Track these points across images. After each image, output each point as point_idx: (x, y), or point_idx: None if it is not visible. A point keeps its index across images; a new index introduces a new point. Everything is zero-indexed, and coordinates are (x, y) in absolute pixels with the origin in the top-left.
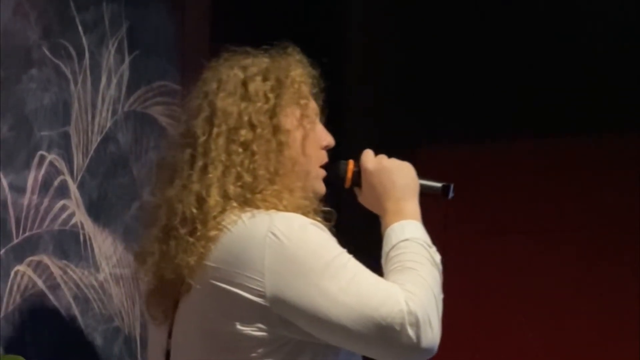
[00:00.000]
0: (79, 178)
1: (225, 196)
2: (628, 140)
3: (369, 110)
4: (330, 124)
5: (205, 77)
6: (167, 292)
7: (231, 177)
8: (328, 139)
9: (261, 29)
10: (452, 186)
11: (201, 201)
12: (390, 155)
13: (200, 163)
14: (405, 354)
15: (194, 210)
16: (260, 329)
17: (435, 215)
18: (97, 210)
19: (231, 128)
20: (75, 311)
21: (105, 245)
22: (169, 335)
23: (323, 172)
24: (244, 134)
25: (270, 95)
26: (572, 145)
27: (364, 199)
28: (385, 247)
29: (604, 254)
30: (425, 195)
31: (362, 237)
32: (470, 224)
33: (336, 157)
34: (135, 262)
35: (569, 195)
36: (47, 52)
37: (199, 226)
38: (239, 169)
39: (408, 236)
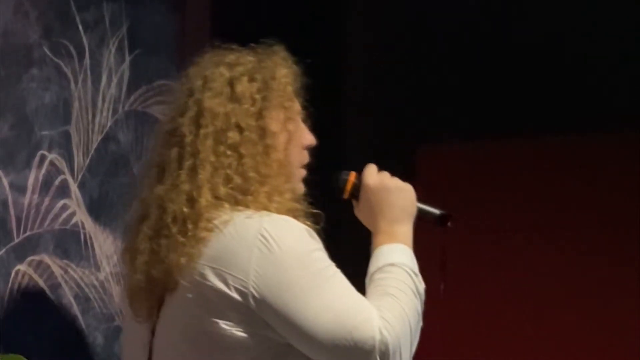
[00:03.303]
0: (79, 177)
1: (217, 197)
2: (628, 140)
3: (368, 109)
4: (330, 123)
5: (190, 73)
6: (154, 290)
7: (220, 179)
8: (310, 139)
9: (261, 28)
10: (451, 216)
11: (192, 201)
12: (390, 155)
13: (188, 162)
14: None
15: (185, 210)
16: (244, 331)
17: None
18: (97, 209)
19: (218, 130)
20: (76, 310)
21: (106, 245)
22: (153, 334)
23: (304, 172)
24: (232, 136)
25: (257, 97)
26: (572, 144)
27: (360, 213)
28: (371, 268)
29: (604, 253)
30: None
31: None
32: (470, 222)
33: (337, 156)
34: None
35: (569, 195)
36: (47, 52)
37: (190, 226)
38: (228, 171)
39: (395, 261)
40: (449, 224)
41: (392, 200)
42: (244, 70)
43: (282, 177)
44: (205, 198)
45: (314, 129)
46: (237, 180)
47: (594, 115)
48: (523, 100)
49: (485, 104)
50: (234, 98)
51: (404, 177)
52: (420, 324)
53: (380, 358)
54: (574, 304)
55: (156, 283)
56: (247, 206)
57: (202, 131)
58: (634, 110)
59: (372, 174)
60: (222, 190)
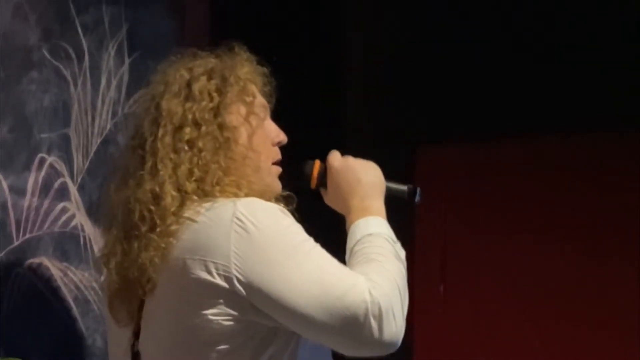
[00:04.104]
0: (79, 180)
1: (182, 191)
2: (628, 140)
3: (368, 109)
4: (330, 123)
5: (153, 80)
6: (131, 292)
7: (183, 173)
8: (280, 136)
9: (261, 29)
10: (418, 189)
11: (157, 198)
12: (390, 155)
13: (149, 162)
14: (367, 345)
15: (152, 207)
16: (231, 317)
17: (435, 213)
18: (97, 212)
19: (176, 127)
20: (76, 313)
21: None
22: (137, 337)
23: (277, 169)
24: (189, 132)
25: (215, 94)
26: (572, 144)
27: (330, 199)
28: (350, 243)
29: (604, 253)
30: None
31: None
32: (470, 222)
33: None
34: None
35: (569, 195)
36: (47, 54)
37: (158, 222)
38: (188, 165)
39: (372, 231)
40: (418, 198)
41: (360, 177)
42: (203, 70)
43: (248, 168)
44: (169, 194)
45: (314, 129)
46: (199, 173)
47: (594, 115)
48: (523, 101)
49: (485, 104)
50: (191, 97)
51: (404, 177)
52: (407, 289)
53: (374, 319)
54: (574, 304)
55: (133, 284)
56: (215, 196)
57: (160, 131)
58: (634, 110)
59: (337, 158)
60: (186, 185)
